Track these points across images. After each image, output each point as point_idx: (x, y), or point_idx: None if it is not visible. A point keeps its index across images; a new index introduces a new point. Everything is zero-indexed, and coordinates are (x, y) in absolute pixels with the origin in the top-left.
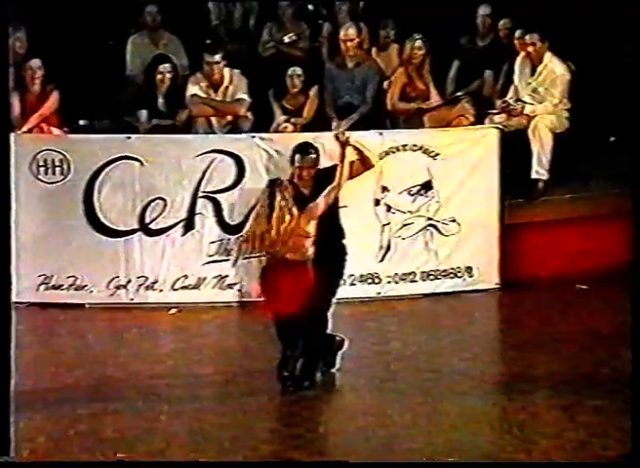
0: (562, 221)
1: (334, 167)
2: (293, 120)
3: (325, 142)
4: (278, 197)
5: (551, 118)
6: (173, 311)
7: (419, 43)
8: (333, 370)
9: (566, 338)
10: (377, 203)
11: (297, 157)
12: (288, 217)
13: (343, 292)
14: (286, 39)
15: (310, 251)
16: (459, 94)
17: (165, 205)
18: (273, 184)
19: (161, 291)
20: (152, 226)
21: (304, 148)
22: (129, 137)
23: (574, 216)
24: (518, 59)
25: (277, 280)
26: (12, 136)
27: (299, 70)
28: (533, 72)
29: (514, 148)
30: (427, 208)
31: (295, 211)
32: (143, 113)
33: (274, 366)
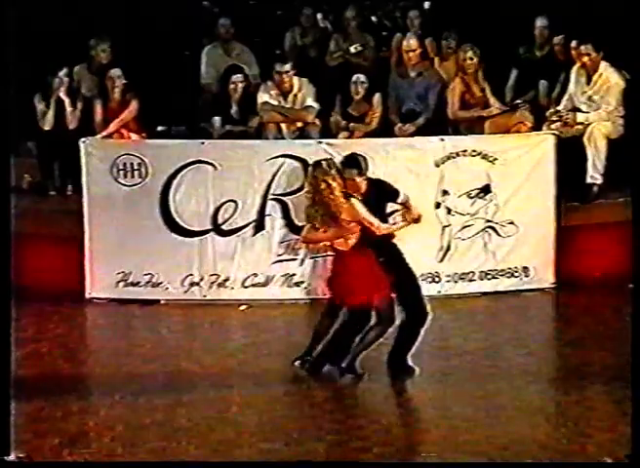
0: (616, 224)
1: (386, 184)
2: (352, 126)
3: (390, 149)
4: (320, 180)
5: (606, 125)
6: (243, 307)
7: (470, 53)
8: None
9: (619, 335)
10: (437, 206)
11: (345, 170)
12: (331, 201)
13: None
14: (352, 49)
15: (352, 240)
16: (518, 101)
17: (236, 207)
18: (315, 167)
19: (232, 288)
20: (224, 227)
21: (350, 162)
22: (203, 143)
23: (627, 219)
24: (574, 69)
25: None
26: (93, 140)
27: (362, 77)
28: (589, 81)
29: (570, 153)
30: (486, 210)
31: (337, 195)
32: (217, 120)
33: None
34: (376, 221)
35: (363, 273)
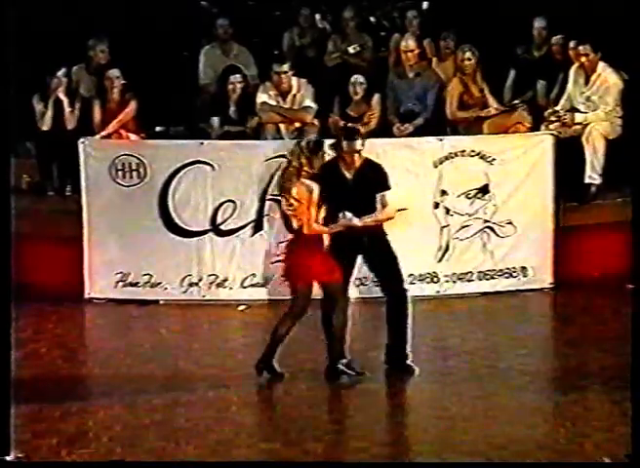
0: (614, 224)
1: (381, 170)
2: (350, 126)
3: (388, 149)
4: (295, 155)
5: (605, 125)
6: (242, 307)
7: (468, 54)
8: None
9: (617, 335)
10: (436, 206)
11: (344, 143)
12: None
13: None
14: (350, 50)
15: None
16: (516, 102)
17: (235, 207)
18: (297, 143)
19: (231, 288)
20: (223, 227)
21: (351, 134)
22: (202, 143)
23: (625, 219)
24: (572, 69)
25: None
26: (92, 141)
27: (361, 78)
28: (587, 82)
29: (568, 154)
30: (484, 210)
31: (299, 172)
32: (216, 120)
33: None
34: (312, 217)
35: (304, 255)
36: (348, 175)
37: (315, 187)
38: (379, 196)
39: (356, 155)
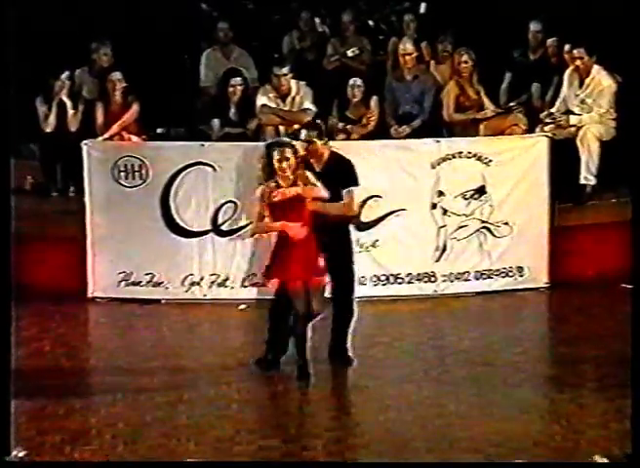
0: (609, 224)
1: (349, 165)
2: (349, 127)
3: (386, 150)
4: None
5: (599, 127)
6: (242, 307)
7: (465, 57)
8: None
9: (612, 334)
10: (433, 206)
11: (302, 133)
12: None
13: (402, 289)
14: (349, 53)
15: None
16: (512, 104)
17: (236, 208)
18: (270, 146)
19: (232, 287)
20: (224, 228)
21: (309, 125)
22: (203, 145)
23: (620, 219)
24: (567, 72)
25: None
26: (95, 143)
27: (359, 81)
28: (581, 84)
29: (564, 155)
30: (481, 211)
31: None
32: (216, 122)
33: None
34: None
35: (275, 255)
36: (317, 170)
37: (258, 187)
38: (344, 191)
39: (321, 148)
